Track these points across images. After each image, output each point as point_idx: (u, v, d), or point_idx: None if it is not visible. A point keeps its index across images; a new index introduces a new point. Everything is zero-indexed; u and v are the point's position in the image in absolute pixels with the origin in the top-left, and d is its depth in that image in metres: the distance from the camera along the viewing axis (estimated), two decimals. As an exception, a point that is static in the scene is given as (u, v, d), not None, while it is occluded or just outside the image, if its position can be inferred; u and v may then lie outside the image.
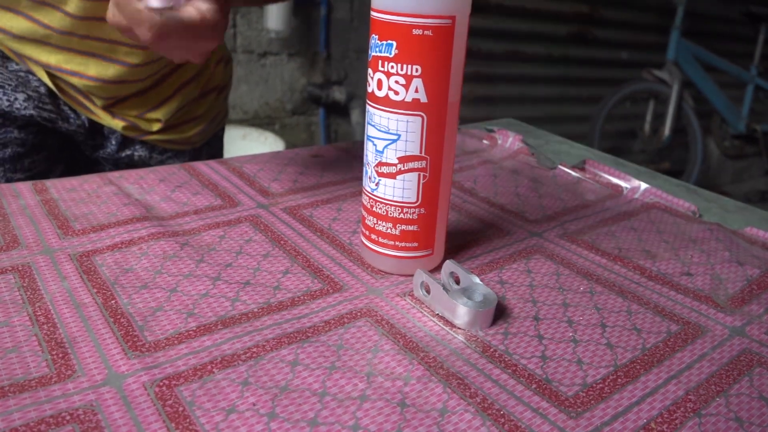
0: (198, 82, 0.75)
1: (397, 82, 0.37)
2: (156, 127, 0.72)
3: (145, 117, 0.71)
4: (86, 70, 0.64)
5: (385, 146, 0.39)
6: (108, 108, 0.69)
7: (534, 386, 0.33)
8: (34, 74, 0.65)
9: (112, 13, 0.42)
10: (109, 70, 0.65)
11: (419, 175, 0.39)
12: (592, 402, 0.32)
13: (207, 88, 0.77)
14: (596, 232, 0.51)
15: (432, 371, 0.33)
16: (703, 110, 2.96)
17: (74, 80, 0.65)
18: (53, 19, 0.60)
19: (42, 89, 0.66)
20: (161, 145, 0.75)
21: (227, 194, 0.54)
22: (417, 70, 0.37)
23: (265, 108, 2.22)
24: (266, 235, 0.47)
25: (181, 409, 0.30)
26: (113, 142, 0.73)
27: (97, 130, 0.72)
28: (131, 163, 0.75)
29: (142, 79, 0.68)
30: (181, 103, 0.73)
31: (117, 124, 0.70)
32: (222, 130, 0.86)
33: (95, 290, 0.39)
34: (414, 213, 0.40)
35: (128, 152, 0.74)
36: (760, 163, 3.50)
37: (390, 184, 0.39)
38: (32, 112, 0.65)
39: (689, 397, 0.33)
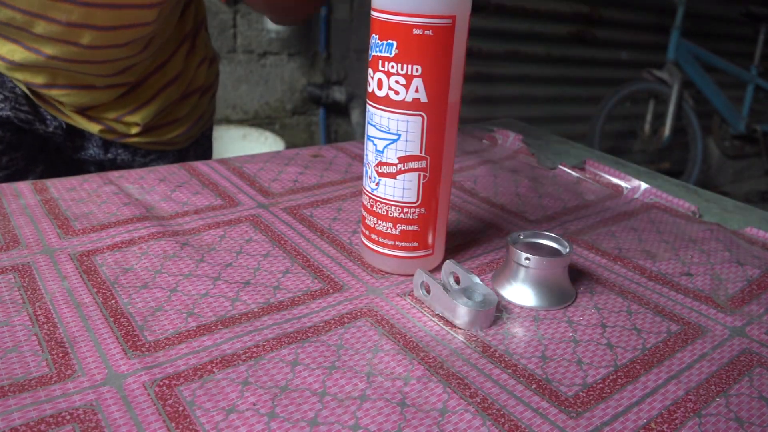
0: (179, 84, 0.72)
1: (397, 81, 0.37)
2: (134, 130, 0.70)
3: (122, 120, 0.69)
4: (56, 81, 0.63)
5: (386, 146, 0.39)
6: (83, 112, 0.67)
7: (534, 386, 0.33)
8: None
9: None
10: (83, 96, 0.64)
11: (419, 175, 0.39)
12: (592, 402, 0.32)
13: (189, 89, 0.74)
14: (596, 232, 0.51)
15: (432, 371, 0.33)
16: (703, 110, 2.96)
17: (45, 92, 0.64)
18: (61, 50, 0.59)
19: (18, 90, 0.64)
20: (144, 147, 0.73)
21: (227, 194, 0.54)
22: (417, 70, 0.37)
23: (266, 108, 2.22)
24: (266, 234, 0.47)
25: (181, 408, 0.30)
26: (94, 144, 0.71)
27: (76, 132, 0.70)
28: (114, 167, 0.73)
29: (120, 85, 0.67)
30: (161, 105, 0.71)
31: (93, 127, 0.68)
32: (210, 130, 0.84)
33: (95, 290, 0.39)
34: (414, 213, 0.40)
35: (110, 156, 0.73)
36: (760, 163, 3.50)
37: (390, 184, 0.39)
38: (9, 113, 0.64)
39: (689, 397, 0.33)
